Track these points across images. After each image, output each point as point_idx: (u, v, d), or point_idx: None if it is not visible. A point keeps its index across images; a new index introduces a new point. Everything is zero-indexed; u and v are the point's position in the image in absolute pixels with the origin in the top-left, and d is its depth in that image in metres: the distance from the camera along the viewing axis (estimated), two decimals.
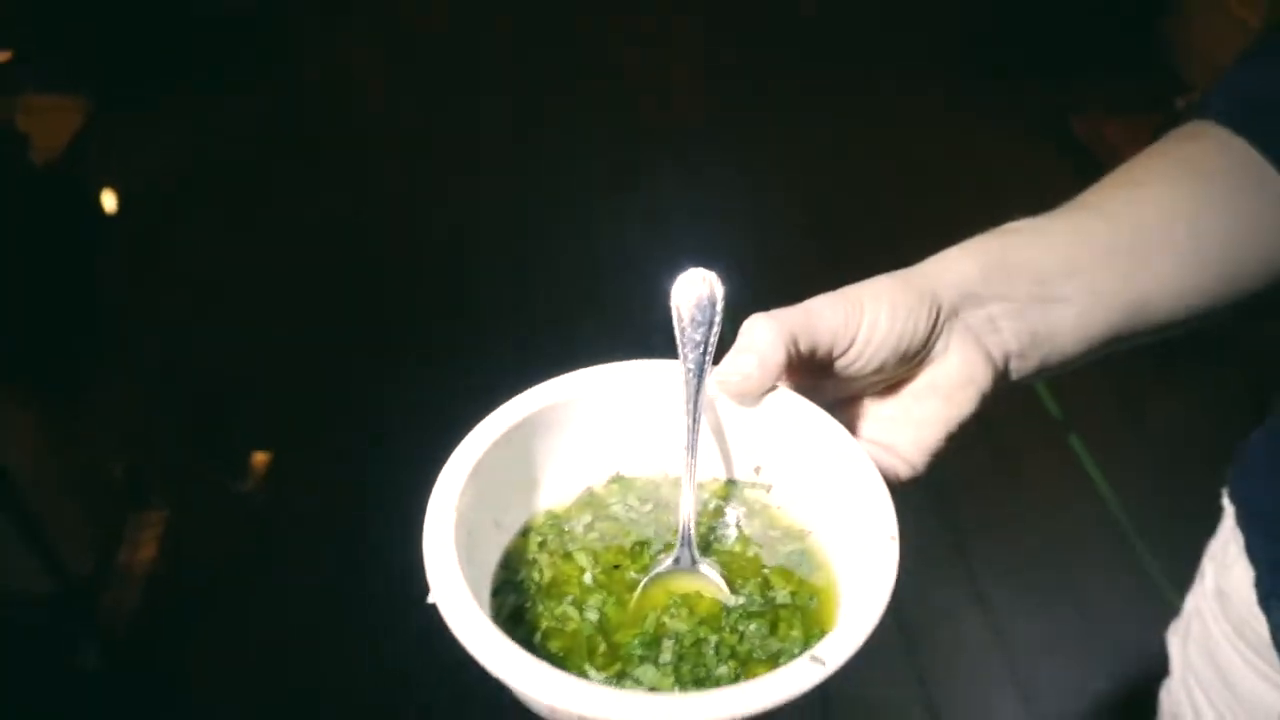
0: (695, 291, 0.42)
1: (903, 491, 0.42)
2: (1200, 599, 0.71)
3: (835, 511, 0.42)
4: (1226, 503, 0.67)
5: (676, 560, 0.41)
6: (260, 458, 1.97)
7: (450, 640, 0.34)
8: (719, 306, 0.42)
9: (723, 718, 0.31)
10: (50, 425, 1.58)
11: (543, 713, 0.35)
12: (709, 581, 0.41)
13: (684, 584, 0.41)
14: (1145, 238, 0.48)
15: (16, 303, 1.47)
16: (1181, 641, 0.74)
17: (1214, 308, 0.50)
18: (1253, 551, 0.61)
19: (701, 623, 0.39)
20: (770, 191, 2.80)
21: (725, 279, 0.43)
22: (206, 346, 2.28)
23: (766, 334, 0.40)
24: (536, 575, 0.41)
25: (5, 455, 1.41)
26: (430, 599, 0.35)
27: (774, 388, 0.42)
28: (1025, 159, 2.86)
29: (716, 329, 0.42)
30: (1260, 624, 0.60)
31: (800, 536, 0.44)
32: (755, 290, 0.59)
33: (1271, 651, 0.59)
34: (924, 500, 1.97)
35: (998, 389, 0.45)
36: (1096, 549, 1.91)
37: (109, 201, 1.81)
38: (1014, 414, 2.17)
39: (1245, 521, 0.63)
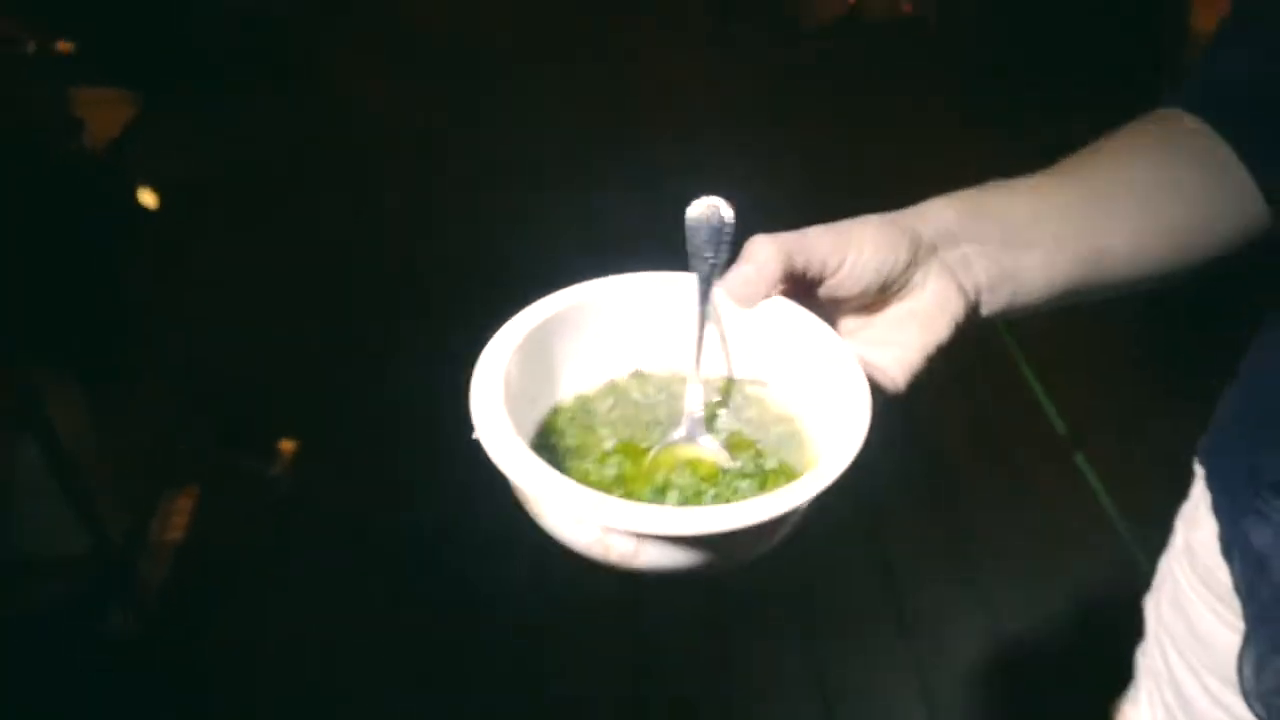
0: (707, 215, 0.49)
1: (886, 409, 0.47)
2: (1171, 559, 0.76)
3: (822, 401, 0.49)
4: (1197, 466, 0.72)
5: (684, 433, 0.49)
6: (287, 445, 2.06)
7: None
8: (726, 230, 0.49)
9: (715, 524, 0.38)
10: (93, 407, 1.64)
11: (567, 533, 0.41)
12: (710, 452, 0.48)
13: (689, 453, 0.48)
14: (1101, 199, 0.55)
15: (60, 282, 1.53)
16: (1155, 602, 0.79)
17: (1170, 271, 0.57)
18: (1217, 507, 0.67)
19: (702, 479, 0.47)
20: (770, 191, 2.80)
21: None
22: (222, 341, 2.30)
23: (767, 248, 0.47)
24: (565, 442, 0.49)
25: (52, 431, 1.48)
26: (474, 435, 0.41)
27: (773, 298, 0.48)
28: (1025, 162, 2.86)
29: (725, 247, 0.48)
30: (1224, 574, 0.66)
31: (790, 422, 0.51)
32: None
33: (1234, 598, 0.64)
34: (930, 515, 1.97)
35: (970, 319, 0.52)
36: (1099, 560, 1.91)
37: (145, 197, 1.88)
38: (1020, 430, 2.17)
39: (1211, 479, 0.69)
